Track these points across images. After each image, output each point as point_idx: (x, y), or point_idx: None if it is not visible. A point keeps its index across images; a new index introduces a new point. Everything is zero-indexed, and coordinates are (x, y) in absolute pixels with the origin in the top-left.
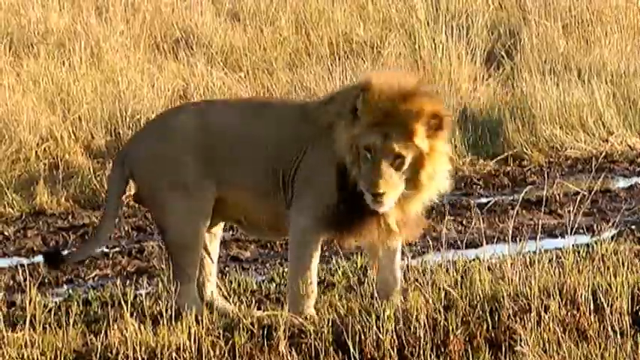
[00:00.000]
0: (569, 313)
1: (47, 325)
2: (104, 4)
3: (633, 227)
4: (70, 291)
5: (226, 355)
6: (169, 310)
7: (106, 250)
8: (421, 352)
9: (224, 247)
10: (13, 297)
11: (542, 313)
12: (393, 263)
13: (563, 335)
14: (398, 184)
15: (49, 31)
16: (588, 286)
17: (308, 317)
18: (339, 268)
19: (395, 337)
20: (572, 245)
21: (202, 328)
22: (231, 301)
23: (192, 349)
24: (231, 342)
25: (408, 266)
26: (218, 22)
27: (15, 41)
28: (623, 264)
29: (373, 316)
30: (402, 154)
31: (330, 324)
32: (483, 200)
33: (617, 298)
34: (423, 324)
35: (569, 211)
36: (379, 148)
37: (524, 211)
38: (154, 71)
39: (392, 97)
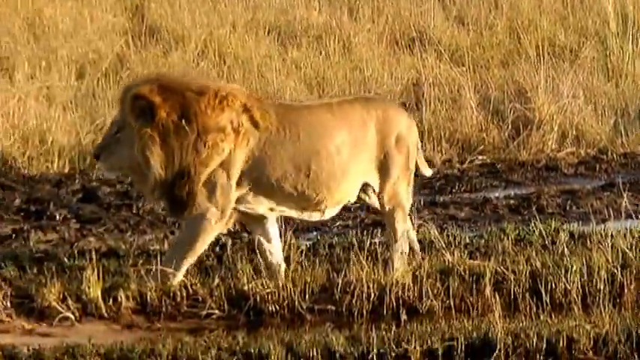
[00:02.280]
0: None
1: (299, 263)
2: (355, 6)
3: None
4: (318, 237)
5: (442, 294)
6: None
7: (348, 205)
8: (600, 301)
9: (443, 208)
10: None
11: None
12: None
13: None
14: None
15: (310, 26)
16: None
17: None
18: (536, 229)
19: (579, 287)
20: None
21: (424, 272)
22: (449, 251)
23: (415, 288)
24: (446, 284)
25: (592, 230)
26: (446, 25)
27: (282, 34)
28: None
29: (562, 270)
30: None
31: (527, 274)
32: None
33: None
34: (602, 279)
35: None
36: None
37: None
38: (393, 63)
39: None
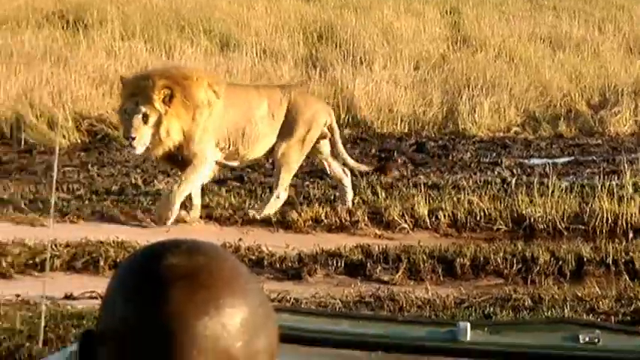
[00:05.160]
0: None
1: (560, 197)
2: (603, 24)
3: None
4: (574, 179)
5: None
6: None
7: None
8: None
9: None
10: None
11: None
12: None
13: None
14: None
15: (571, 37)
16: None
17: None
18: None
19: None
20: None
21: None
22: None
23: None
24: None
25: None
26: None
27: (552, 42)
28: None
29: None
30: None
31: None
32: None
33: None
34: None
35: None
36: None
37: None
38: (628, 64)
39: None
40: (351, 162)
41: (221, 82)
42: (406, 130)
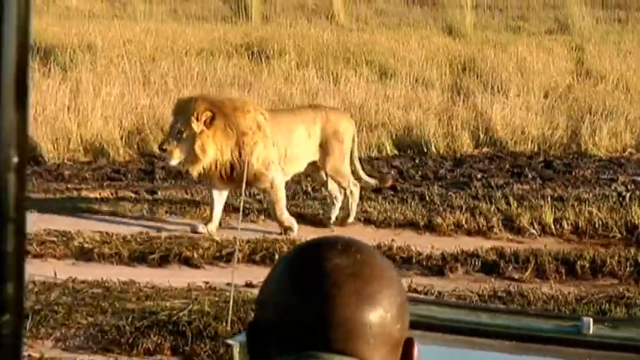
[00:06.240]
0: None
1: None
2: None
3: None
4: None
5: None
6: None
7: None
8: None
9: None
10: None
11: None
12: None
13: None
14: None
15: None
16: None
17: None
18: None
19: None
20: None
21: None
22: None
23: None
24: None
25: None
26: None
27: None
28: None
29: None
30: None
31: None
32: None
33: None
34: None
35: None
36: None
37: None
38: None
39: None
40: (362, 173)
41: (264, 109)
42: (536, 150)
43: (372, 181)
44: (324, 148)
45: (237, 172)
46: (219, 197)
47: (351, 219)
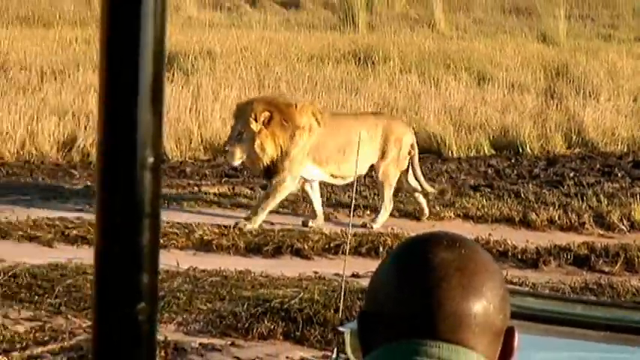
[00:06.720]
0: None
1: None
2: None
3: None
4: None
5: None
6: None
7: None
8: None
9: None
10: None
11: None
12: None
13: None
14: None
15: None
16: None
17: None
18: None
19: None
20: None
21: None
22: None
23: None
24: None
25: None
26: None
27: None
28: None
29: None
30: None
31: None
32: None
33: None
34: None
35: None
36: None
37: None
38: None
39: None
40: (422, 179)
41: (324, 112)
42: (625, 150)
43: (431, 190)
44: (381, 152)
45: (276, 165)
46: (312, 192)
47: (377, 225)
